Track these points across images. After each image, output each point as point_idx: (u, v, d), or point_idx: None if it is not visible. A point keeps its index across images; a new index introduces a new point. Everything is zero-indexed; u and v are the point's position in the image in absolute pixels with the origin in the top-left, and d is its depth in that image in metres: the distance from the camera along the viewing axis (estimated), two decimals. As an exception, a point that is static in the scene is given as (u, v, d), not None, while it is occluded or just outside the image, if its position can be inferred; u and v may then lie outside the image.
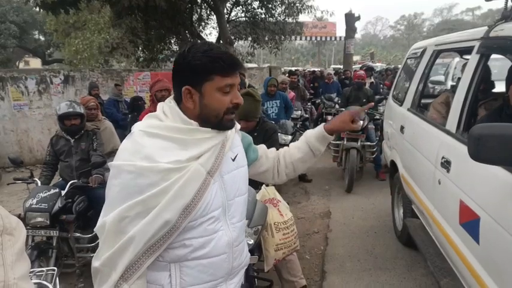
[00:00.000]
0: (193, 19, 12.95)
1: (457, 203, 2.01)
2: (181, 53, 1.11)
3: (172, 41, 13.30)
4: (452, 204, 2.07)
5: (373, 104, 1.76)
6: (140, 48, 12.18)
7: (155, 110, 1.18)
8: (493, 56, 2.28)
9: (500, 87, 2.78)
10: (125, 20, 9.93)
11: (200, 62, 1.07)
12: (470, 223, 1.86)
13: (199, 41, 1.12)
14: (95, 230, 1.10)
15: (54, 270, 2.40)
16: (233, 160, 1.23)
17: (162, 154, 1.05)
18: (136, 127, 1.12)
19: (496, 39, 2.04)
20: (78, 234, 3.11)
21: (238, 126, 1.32)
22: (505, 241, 1.52)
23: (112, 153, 3.63)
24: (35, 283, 1.94)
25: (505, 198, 1.57)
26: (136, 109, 6.37)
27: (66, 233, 2.99)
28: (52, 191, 2.96)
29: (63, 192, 3.04)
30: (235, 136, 1.29)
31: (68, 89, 7.94)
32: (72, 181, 3.20)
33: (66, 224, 2.97)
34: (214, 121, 1.14)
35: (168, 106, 1.15)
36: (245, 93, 2.67)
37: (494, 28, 2.08)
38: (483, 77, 2.37)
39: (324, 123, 1.47)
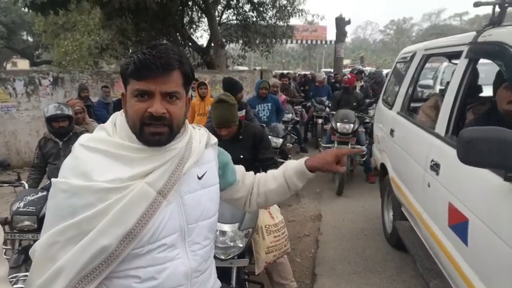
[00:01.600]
0: (185, 21, 12.94)
1: (446, 205, 2.03)
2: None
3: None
4: (442, 207, 2.09)
5: (363, 150, 1.77)
6: (130, 50, 12.11)
7: None
8: (481, 60, 2.32)
9: (487, 91, 2.83)
10: (115, 21, 9.89)
11: (125, 63, 0.97)
12: (459, 225, 1.89)
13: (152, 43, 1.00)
14: (29, 253, 0.95)
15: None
16: (199, 178, 1.07)
17: (101, 171, 0.92)
18: (79, 140, 0.99)
19: (484, 44, 2.07)
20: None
21: (214, 140, 1.19)
22: (493, 243, 1.54)
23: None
24: (18, 288, 1.91)
25: (493, 201, 1.60)
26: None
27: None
28: (40, 194, 2.91)
29: (51, 195, 3.00)
30: (206, 151, 1.13)
31: (57, 91, 7.85)
32: (60, 184, 3.15)
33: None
34: (135, 132, 0.98)
35: (119, 119, 1.03)
36: (217, 100, 2.64)
37: (483, 33, 2.12)
38: (471, 82, 2.41)
39: (306, 158, 1.30)
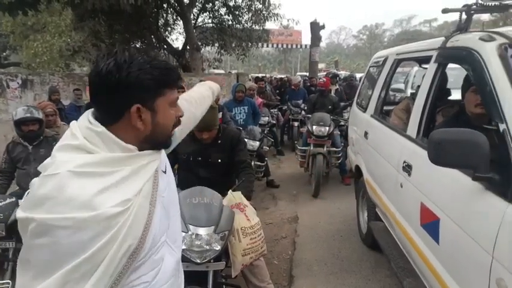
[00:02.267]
0: (160, 24, 12.81)
1: (418, 205, 2.09)
2: (117, 65, 0.91)
3: (137, 46, 13.07)
4: (414, 207, 2.15)
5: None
6: (104, 53, 11.87)
7: None
8: (449, 65, 2.41)
9: (456, 95, 2.93)
10: (87, 23, 9.67)
11: (151, 75, 0.93)
12: (430, 224, 1.94)
13: (131, 50, 0.99)
14: None
15: (9, 283, 2.27)
16: (165, 172, 1.10)
17: (104, 197, 0.85)
18: (61, 167, 0.86)
19: (452, 49, 2.15)
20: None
21: None
22: (463, 241, 1.60)
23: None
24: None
25: (463, 200, 1.66)
26: None
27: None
28: (8, 200, 2.80)
29: (20, 202, 2.89)
30: None
31: (26, 94, 7.61)
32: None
33: (24, 235, 2.82)
34: (163, 140, 1.02)
35: (94, 132, 0.92)
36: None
37: (451, 39, 2.20)
38: (441, 85, 2.49)
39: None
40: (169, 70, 0.98)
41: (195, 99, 1.54)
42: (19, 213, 0.87)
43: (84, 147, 0.90)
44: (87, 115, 0.98)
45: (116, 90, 0.92)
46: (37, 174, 2.99)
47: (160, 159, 1.07)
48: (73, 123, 0.98)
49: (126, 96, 0.93)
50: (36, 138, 3.21)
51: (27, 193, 2.95)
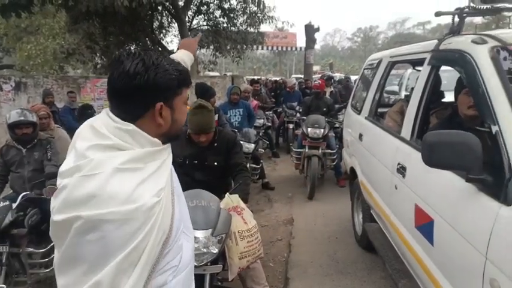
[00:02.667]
0: (154, 26, 12.79)
1: (412, 207, 2.10)
2: (145, 67, 0.98)
3: (132, 48, 13.02)
4: (408, 208, 2.16)
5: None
6: (98, 55, 11.83)
7: None
8: (443, 67, 2.43)
9: (449, 97, 2.96)
10: (81, 25, 9.63)
11: (174, 76, 1.02)
12: (424, 226, 1.96)
13: (153, 52, 1.05)
14: None
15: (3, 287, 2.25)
16: None
17: (142, 190, 0.92)
18: (103, 166, 0.91)
19: (445, 51, 2.17)
20: (30, 249, 2.93)
21: None
22: (457, 242, 1.61)
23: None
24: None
25: (456, 202, 1.67)
26: (86, 118, 6.06)
27: (18, 248, 2.81)
28: (1, 204, 2.78)
29: (14, 205, 2.87)
30: None
31: (20, 96, 7.56)
32: (24, 193, 3.02)
33: (18, 238, 2.80)
34: (176, 134, 1.12)
35: (123, 131, 0.98)
36: (198, 105, 2.64)
37: (444, 41, 2.23)
38: (434, 87, 2.51)
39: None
40: (186, 71, 1.08)
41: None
42: (57, 217, 0.91)
43: (117, 145, 0.96)
44: (107, 115, 1.02)
45: (143, 89, 0.98)
46: (31, 177, 2.98)
47: None
48: (93, 122, 1.02)
49: (152, 95, 1.00)
50: (30, 141, 3.19)
51: (21, 196, 2.90)
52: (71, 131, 4.68)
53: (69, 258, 0.91)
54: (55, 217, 0.91)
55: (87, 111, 6.07)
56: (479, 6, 2.11)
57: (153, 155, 1.00)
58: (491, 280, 1.35)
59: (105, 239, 0.87)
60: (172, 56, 1.59)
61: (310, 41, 17.09)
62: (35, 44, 14.98)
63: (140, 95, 0.99)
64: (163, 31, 14.02)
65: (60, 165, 1.00)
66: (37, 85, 7.71)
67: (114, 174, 0.90)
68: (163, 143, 1.06)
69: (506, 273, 1.28)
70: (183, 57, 1.62)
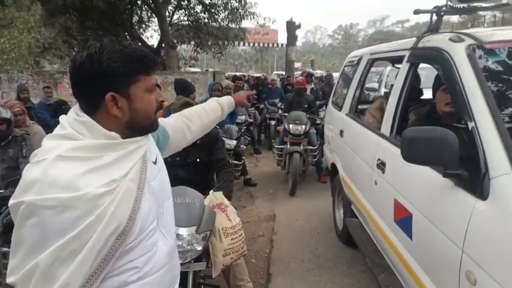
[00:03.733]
0: (134, 21, 12.57)
1: (391, 201, 2.14)
2: (89, 56, 0.94)
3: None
4: (388, 203, 2.20)
5: (248, 104, 2.05)
6: (76, 49, 11.53)
7: None
8: (421, 65, 2.47)
9: (427, 94, 3.02)
10: (58, 19, 9.36)
11: (122, 62, 0.96)
12: (403, 220, 1.99)
13: (104, 40, 0.99)
14: (14, 281, 0.89)
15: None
16: (155, 163, 1.14)
17: (88, 178, 0.90)
18: (49, 153, 0.91)
19: (423, 49, 2.21)
20: (5, 249, 2.83)
21: None
22: (434, 236, 1.65)
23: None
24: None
25: (434, 196, 1.71)
26: (61, 114, 5.82)
27: (-8, 249, 2.73)
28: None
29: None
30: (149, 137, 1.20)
31: (-7, 92, 7.31)
32: (-2, 191, 2.93)
33: (-8, 238, 2.71)
34: (146, 125, 1.06)
35: (79, 122, 0.97)
36: (185, 102, 2.63)
37: (422, 39, 2.26)
38: (413, 85, 2.56)
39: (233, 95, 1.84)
40: (142, 56, 0.99)
41: (194, 112, 1.60)
42: (11, 201, 0.91)
43: (70, 135, 0.96)
44: (75, 108, 1.02)
45: (90, 81, 0.96)
46: (6, 175, 2.89)
47: (150, 150, 1.12)
48: (62, 117, 1.02)
49: (100, 86, 0.96)
50: (5, 138, 3.10)
51: None
52: (47, 128, 4.57)
53: (15, 241, 0.91)
54: (10, 202, 0.92)
55: (61, 107, 5.84)
56: (457, 5, 2.16)
57: (107, 147, 0.96)
58: (467, 272, 1.38)
59: (42, 224, 0.86)
60: (214, 101, 1.74)
61: (292, 37, 17.14)
62: (9, 38, 14.51)
63: (88, 86, 0.97)
64: (143, 26, 13.81)
65: None
66: (11, 80, 7.47)
67: (57, 161, 0.89)
68: (131, 135, 1.03)
69: (482, 265, 1.31)
70: (221, 98, 1.77)
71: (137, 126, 1.04)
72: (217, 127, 5.16)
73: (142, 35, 13.80)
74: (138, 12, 12.91)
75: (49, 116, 6.01)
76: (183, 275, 2.05)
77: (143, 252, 1.02)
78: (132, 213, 0.96)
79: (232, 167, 5.04)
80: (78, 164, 0.90)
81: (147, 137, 1.11)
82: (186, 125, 1.53)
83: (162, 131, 1.37)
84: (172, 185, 2.29)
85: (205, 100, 5.80)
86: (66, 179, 0.88)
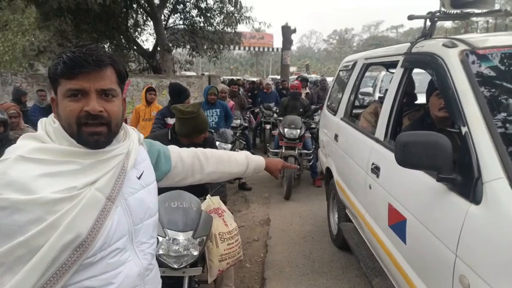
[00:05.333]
0: (129, 24, 12.55)
1: (386, 206, 2.14)
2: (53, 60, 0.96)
3: (106, 46, 12.75)
4: (382, 208, 2.20)
5: (296, 167, 1.95)
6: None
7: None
8: (415, 70, 2.49)
9: (421, 99, 3.04)
10: (53, 22, 9.33)
11: (52, 65, 0.94)
12: (397, 225, 2.00)
13: (94, 44, 0.98)
14: None
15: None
16: (138, 178, 1.07)
17: (46, 183, 0.85)
18: (13, 152, 0.89)
19: (417, 54, 2.23)
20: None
21: (142, 136, 1.19)
22: (428, 240, 1.65)
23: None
24: None
25: (428, 201, 1.71)
26: None
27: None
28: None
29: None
30: (140, 150, 1.13)
31: (-14, 94, 7.25)
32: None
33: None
34: (71, 134, 0.95)
35: (51, 126, 0.95)
36: (191, 110, 2.65)
37: (416, 45, 2.28)
38: (407, 89, 2.57)
39: (266, 158, 1.63)
40: (60, 60, 0.92)
41: (216, 154, 1.48)
42: None
43: (39, 137, 0.93)
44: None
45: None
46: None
47: (136, 164, 1.08)
48: (41, 119, 1.00)
49: (52, 87, 0.97)
50: (1, 140, 3.06)
51: None
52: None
53: None
54: None
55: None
56: (450, 11, 2.18)
57: (71, 154, 0.92)
58: (461, 277, 1.39)
59: None
60: (245, 157, 1.55)
61: (287, 42, 17.21)
62: (3, 40, 14.45)
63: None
64: (139, 29, 13.79)
65: None
66: (5, 83, 7.42)
67: (18, 161, 0.87)
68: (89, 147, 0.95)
69: (475, 269, 1.32)
70: (252, 156, 1.59)
71: (72, 134, 0.95)
72: (212, 131, 5.17)
73: (138, 38, 13.78)
74: (134, 15, 12.90)
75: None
76: (179, 280, 2.05)
77: (104, 270, 0.95)
78: (95, 225, 0.89)
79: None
80: (37, 167, 0.87)
81: (126, 148, 1.04)
82: (199, 163, 1.41)
83: (165, 156, 1.30)
84: (170, 190, 2.29)
85: (201, 104, 5.80)
86: (22, 180, 0.84)
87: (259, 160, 1.60)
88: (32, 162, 0.87)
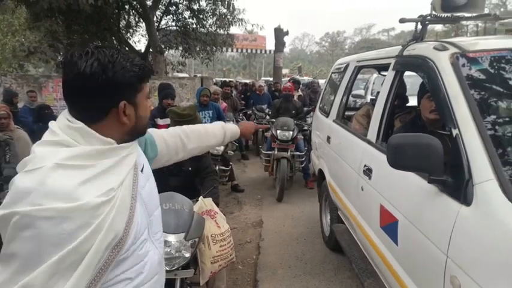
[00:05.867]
0: (121, 25, 12.48)
1: (377, 207, 2.15)
2: (101, 66, 0.93)
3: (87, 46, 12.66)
4: (374, 209, 2.21)
5: (268, 126, 2.05)
6: (61, 53, 11.38)
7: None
8: (406, 73, 2.51)
9: (412, 101, 3.07)
10: (43, 22, 9.23)
11: (134, 72, 0.98)
12: (389, 226, 2.01)
13: (105, 46, 1.01)
14: None
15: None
16: (142, 171, 1.12)
17: (87, 188, 0.88)
18: (45, 161, 0.87)
19: (409, 57, 2.25)
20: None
21: None
22: (419, 241, 1.66)
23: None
24: None
25: (419, 202, 1.73)
26: (44, 119, 5.38)
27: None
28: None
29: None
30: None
31: (-25, 95, 7.15)
32: (-21, 197, 2.85)
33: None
34: (142, 131, 1.09)
35: (73, 128, 0.95)
36: (187, 112, 2.64)
37: (407, 48, 2.30)
38: (399, 92, 2.59)
39: (239, 125, 1.78)
40: (144, 66, 1.02)
41: (195, 131, 1.58)
42: (0, 211, 0.85)
43: (64, 142, 0.93)
44: (65, 115, 0.98)
45: (102, 90, 0.94)
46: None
47: (139, 160, 1.11)
48: (51, 123, 0.99)
49: (113, 95, 0.97)
50: None
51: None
52: (30, 132, 4.45)
53: (6, 255, 0.85)
54: None
55: (44, 112, 5.68)
56: (441, 15, 2.20)
57: (103, 154, 0.94)
58: (452, 277, 1.40)
59: (40, 236, 0.82)
60: (220, 128, 1.68)
61: (280, 44, 17.21)
62: (-8, 40, 14.27)
63: (100, 95, 0.95)
64: (131, 30, 13.72)
65: None
66: (-6, 84, 7.32)
67: (55, 169, 0.86)
68: (128, 140, 1.03)
69: (466, 270, 1.33)
70: (227, 125, 1.71)
71: (137, 132, 1.06)
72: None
73: (130, 39, 13.72)
74: (126, 16, 12.83)
75: (32, 120, 5.88)
76: (170, 283, 2.04)
77: (136, 262, 1.01)
78: (128, 223, 0.94)
79: (219, 174, 5.03)
80: (76, 173, 0.88)
81: (136, 144, 1.09)
82: (181, 142, 1.50)
83: (151, 142, 1.36)
84: (163, 192, 2.28)
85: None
86: (64, 188, 0.85)
87: (234, 128, 1.73)
88: (70, 169, 0.88)
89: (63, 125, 0.95)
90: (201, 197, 2.45)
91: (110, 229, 0.88)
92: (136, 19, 13.29)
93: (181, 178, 2.75)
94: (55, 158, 0.87)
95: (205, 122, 5.59)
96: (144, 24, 12.18)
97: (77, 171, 0.88)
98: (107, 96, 0.96)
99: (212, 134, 1.63)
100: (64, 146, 0.92)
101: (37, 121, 5.56)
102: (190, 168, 2.79)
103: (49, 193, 0.83)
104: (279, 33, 16.92)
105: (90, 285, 0.87)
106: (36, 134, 5.39)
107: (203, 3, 12.69)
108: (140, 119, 1.05)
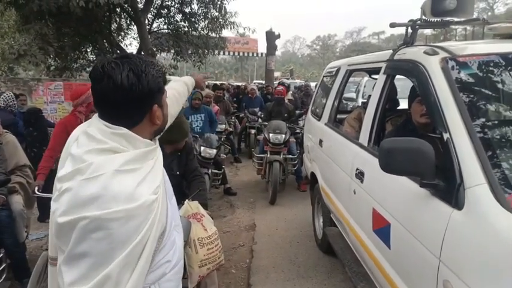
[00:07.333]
0: (112, 28, 12.39)
1: (370, 211, 2.16)
2: (136, 76, 1.02)
3: (88, 50, 12.56)
4: (366, 212, 2.22)
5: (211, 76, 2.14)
6: (52, 56, 11.26)
7: None
8: (397, 76, 2.53)
9: (403, 104, 3.09)
10: (33, 25, 9.10)
11: (160, 78, 1.10)
12: (382, 229, 2.02)
13: (131, 55, 1.12)
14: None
15: None
16: None
17: (143, 187, 1.00)
18: (104, 168, 0.96)
19: (399, 61, 2.27)
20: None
21: None
22: (412, 245, 1.67)
23: (16, 170, 3.26)
24: None
25: (411, 206, 1.74)
26: (33, 123, 5.26)
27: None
28: None
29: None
30: None
31: (-37, 99, 7.02)
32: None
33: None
34: (164, 128, 1.22)
35: (117, 135, 1.03)
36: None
37: (398, 52, 2.32)
38: (390, 95, 2.61)
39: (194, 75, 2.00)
40: (163, 71, 1.16)
41: (173, 97, 1.67)
42: (62, 219, 0.93)
43: (113, 148, 1.01)
44: (101, 122, 1.05)
45: (140, 98, 1.05)
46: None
47: None
48: (91, 130, 1.04)
49: (148, 101, 1.08)
50: None
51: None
52: (19, 136, 4.36)
53: (74, 255, 0.93)
54: (60, 219, 0.94)
55: (34, 116, 5.51)
56: (431, 19, 2.23)
57: (147, 155, 1.07)
58: (445, 282, 1.40)
59: (112, 235, 0.92)
60: (177, 79, 1.89)
61: (271, 47, 17.29)
62: (-19, 43, 14.07)
63: (138, 103, 1.05)
64: (122, 33, 13.64)
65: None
66: (-17, 87, 7.22)
67: (115, 175, 0.96)
68: (153, 139, 1.15)
69: (458, 274, 1.34)
70: (184, 78, 1.91)
71: (161, 130, 1.19)
72: (196, 136, 5.15)
73: (121, 42, 13.63)
74: (117, 19, 12.76)
75: (23, 124, 5.75)
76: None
77: (171, 246, 1.15)
78: (168, 212, 1.11)
79: (211, 177, 5.01)
80: (131, 176, 0.99)
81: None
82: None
83: None
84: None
85: (185, 109, 5.76)
86: (126, 191, 0.96)
87: (190, 80, 1.94)
88: (126, 173, 0.98)
89: (105, 132, 1.03)
90: (186, 200, 2.43)
91: (160, 221, 1.03)
92: (128, 22, 13.22)
93: (171, 182, 2.73)
94: (113, 165, 0.97)
95: (197, 126, 5.60)
96: (135, 27, 12.11)
97: (132, 174, 0.99)
98: (144, 103, 1.07)
99: (182, 93, 1.80)
100: (113, 152, 1.01)
101: (27, 124, 5.40)
102: (178, 173, 2.77)
103: (114, 197, 0.94)
104: (271, 37, 17.00)
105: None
106: (25, 138, 5.28)
107: (195, 7, 12.68)
108: (165, 117, 1.17)
